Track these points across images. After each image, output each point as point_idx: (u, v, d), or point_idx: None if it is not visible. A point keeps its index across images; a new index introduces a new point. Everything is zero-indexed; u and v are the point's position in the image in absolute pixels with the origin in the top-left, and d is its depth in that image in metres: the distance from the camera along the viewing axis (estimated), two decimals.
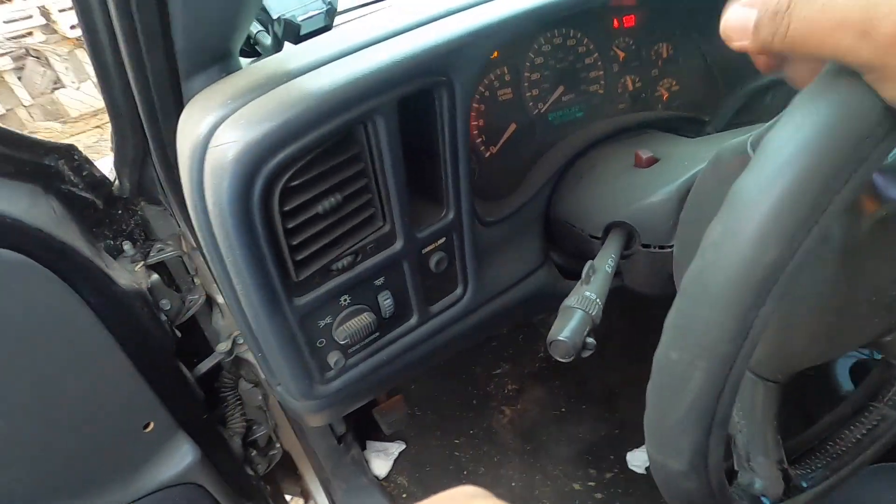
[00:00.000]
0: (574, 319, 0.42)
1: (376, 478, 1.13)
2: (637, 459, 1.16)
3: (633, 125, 0.66)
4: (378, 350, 0.51)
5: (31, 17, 3.26)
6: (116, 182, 0.64)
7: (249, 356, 0.89)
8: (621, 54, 0.75)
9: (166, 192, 0.68)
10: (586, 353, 0.42)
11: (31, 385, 0.58)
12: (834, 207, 0.24)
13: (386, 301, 0.48)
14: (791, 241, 0.24)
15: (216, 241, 0.39)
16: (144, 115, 0.44)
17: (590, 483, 1.14)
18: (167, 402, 0.72)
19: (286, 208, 0.38)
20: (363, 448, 1.17)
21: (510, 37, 0.47)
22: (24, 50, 3.39)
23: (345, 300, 0.46)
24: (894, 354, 0.46)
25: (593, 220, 0.56)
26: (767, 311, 0.26)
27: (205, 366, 0.83)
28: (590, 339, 0.42)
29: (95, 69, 0.44)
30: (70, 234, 0.59)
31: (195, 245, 0.79)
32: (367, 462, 1.14)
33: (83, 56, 3.53)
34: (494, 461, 1.19)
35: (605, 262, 0.48)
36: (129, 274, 0.68)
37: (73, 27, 3.34)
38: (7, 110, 3.42)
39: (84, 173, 0.61)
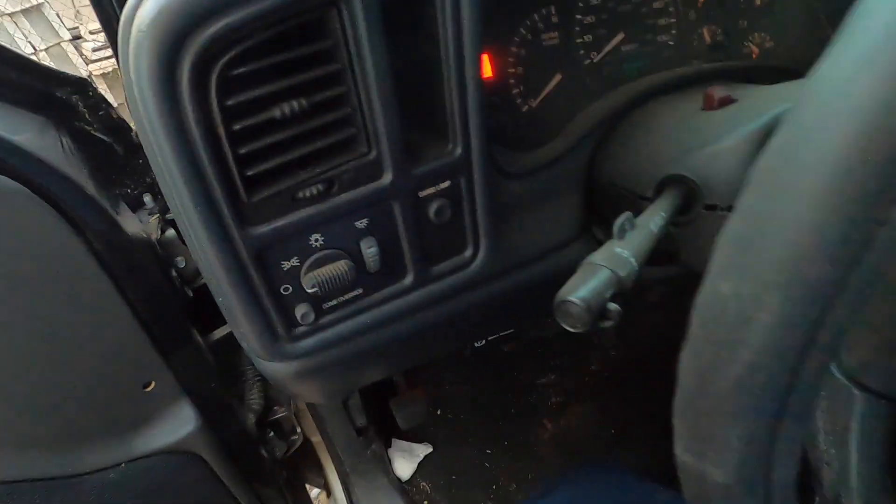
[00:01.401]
0: (595, 278, 0.31)
1: (398, 479, 1.05)
2: None
3: (709, 75, 0.54)
4: (360, 311, 0.43)
5: None
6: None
7: None
8: None
9: None
10: (606, 324, 0.31)
11: (21, 322, 0.56)
12: None
13: (370, 249, 0.40)
14: None
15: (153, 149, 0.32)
16: None
17: None
18: (172, 363, 0.69)
19: (229, 102, 0.31)
20: (388, 446, 1.10)
21: None
22: None
23: (316, 240, 0.38)
24: None
25: (643, 177, 0.44)
26: None
27: (219, 333, 0.79)
28: (612, 305, 0.31)
29: None
30: (77, 172, 0.57)
31: None
32: (389, 461, 1.07)
33: None
34: (529, 478, 1.07)
35: (649, 219, 0.37)
36: (139, 224, 0.65)
37: None
38: (118, 104, 3.82)
39: (100, 112, 0.60)
